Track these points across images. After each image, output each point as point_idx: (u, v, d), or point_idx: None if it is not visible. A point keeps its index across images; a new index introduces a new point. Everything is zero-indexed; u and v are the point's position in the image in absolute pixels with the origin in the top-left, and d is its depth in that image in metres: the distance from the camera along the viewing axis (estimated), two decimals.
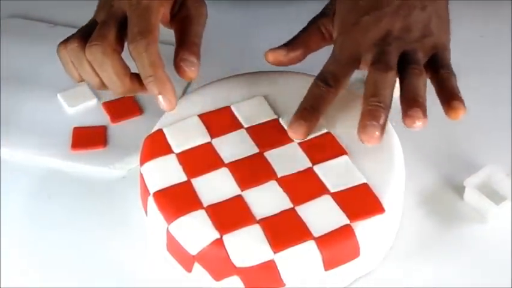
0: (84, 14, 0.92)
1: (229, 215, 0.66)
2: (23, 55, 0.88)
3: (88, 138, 0.79)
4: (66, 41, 0.70)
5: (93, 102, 0.83)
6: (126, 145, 0.78)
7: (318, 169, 0.69)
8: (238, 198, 0.67)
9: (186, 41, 0.71)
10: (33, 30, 0.91)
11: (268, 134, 0.71)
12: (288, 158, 0.69)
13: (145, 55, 0.67)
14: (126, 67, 0.69)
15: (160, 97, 0.67)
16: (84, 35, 0.70)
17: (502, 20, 0.92)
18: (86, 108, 0.83)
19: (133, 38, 0.68)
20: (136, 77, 0.69)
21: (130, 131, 0.80)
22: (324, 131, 0.71)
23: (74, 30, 0.90)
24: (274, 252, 0.64)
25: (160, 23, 0.70)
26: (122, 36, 0.70)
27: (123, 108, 0.82)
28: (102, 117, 0.82)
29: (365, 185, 0.67)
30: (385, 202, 0.67)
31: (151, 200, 0.67)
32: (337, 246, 0.65)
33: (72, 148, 0.79)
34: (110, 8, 0.71)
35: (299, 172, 0.68)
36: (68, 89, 0.84)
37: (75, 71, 0.70)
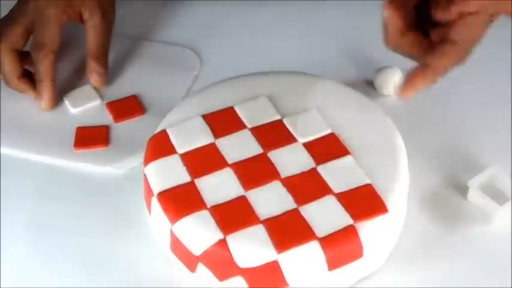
0: None
1: (233, 216, 0.66)
2: None
3: (91, 137, 0.79)
4: None
5: (96, 102, 0.83)
6: (128, 144, 0.78)
7: (322, 169, 0.69)
8: (242, 198, 0.67)
9: (92, 53, 0.83)
10: None
11: (272, 135, 0.71)
12: (292, 159, 0.69)
13: (39, 64, 0.79)
14: (17, 68, 0.80)
15: (40, 99, 0.81)
16: None
17: (502, 20, 0.91)
18: (89, 109, 0.82)
19: (33, 47, 0.80)
20: (27, 79, 0.81)
21: (132, 130, 0.80)
22: (328, 131, 0.71)
23: (75, 31, 0.91)
24: (278, 253, 0.64)
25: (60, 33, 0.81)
26: (28, 36, 0.81)
27: (126, 108, 0.82)
28: (105, 118, 0.82)
29: (369, 185, 0.67)
30: (388, 202, 0.67)
31: (155, 201, 0.67)
32: (341, 247, 0.65)
33: (75, 147, 0.79)
34: (24, 5, 0.80)
35: (303, 172, 0.68)
36: (72, 90, 0.84)
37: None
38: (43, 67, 0.80)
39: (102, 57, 0.83)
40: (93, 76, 0.82)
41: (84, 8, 0.82)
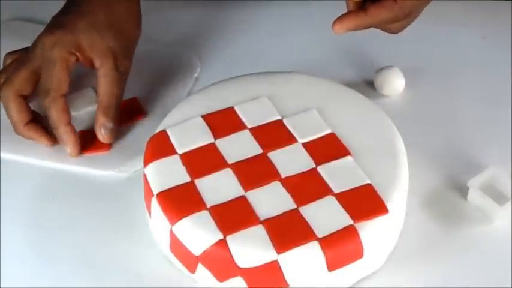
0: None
1: (233, 216, 0.66)
2: None
3: (92, 141, 0.79)
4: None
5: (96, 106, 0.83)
6: (131, 148, 0.78)
7: (322, 170, 0.69)
8: (242, 198, 0.67)
9: (102, 104, 0.77)
10: (35, 32, 0.91)
11: (272, 135, 0.71)
12: (292, 159, 0.69)
13: (49, 111, 0.76)
14: (23, 115, 0.77)
15: (65, 147, 0.77)
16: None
17: (503, 20, 0.92)
18: (89, 112, 0.82)
19: (40, 92, 0.76)
20: (34, 126, 0.77)
21: (134, 133, 0.80)
22: (328, 131, 0.71)
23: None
24: (278, 253, 0.64)
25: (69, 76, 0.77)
26: (35, 81, 0.77)
27: (127, 111, 0.82)
28: None
29: (369, 185, 0.67)
30: (388, 203, 0.67)
31: (155, 201, 0.67)
32: (341, 247, 0.65)
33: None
34: (32, 50, 0.77)
35: (303, 173, 0.68)
36: (72, 92, 0.83)
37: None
38: (53, 114, 0.76)
39: (112, 109, 0.77)
40: (101, 131, 0.77)
41: (94, 54, 0.77)
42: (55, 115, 0.75)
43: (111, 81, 0.77)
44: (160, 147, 0.71)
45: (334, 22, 0.71)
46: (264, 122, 0.72)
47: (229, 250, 0.64)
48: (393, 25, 0.72)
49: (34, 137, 0.77)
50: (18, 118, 0.77)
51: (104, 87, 0.77)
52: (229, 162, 0.69)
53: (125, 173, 0.77)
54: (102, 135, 0.77)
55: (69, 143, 0.76)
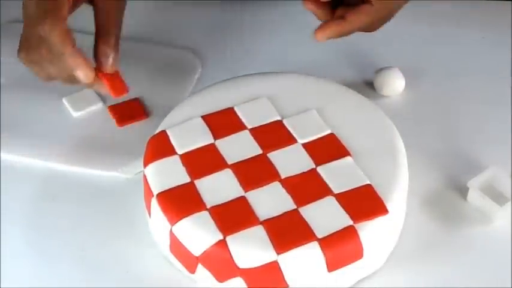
0: (87, 17, 0.92)
1: (233, 216, 0.66)
2: None
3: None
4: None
5: (98, 106, 0.83)
6: (132, 149, 0.78)
7: (322, 170, 0.69)
8: (242, 199, 0.67)
9: (102, 33, 0.72)
10: None
11: (272, 135, 0.71)
12: (292, 159, 0.69)
13: (53, 34, 0.68)
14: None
15: (77, 72, 0.70)
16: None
17: (503, 21, 0.92)
18: (91, 112, 0.82)
19: (34, 20, 0.69)
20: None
21: (136, 134, 0.80)
22: (328, 132, 0.71)
23: (77, 34, 0.91)
24: (278, 254, 0.64)
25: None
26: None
27: (129, 111, 0.82)
28: (107, 121, 0.81)
29: (368, 186, 0.68)
30: (388, 203, 0.67)
31: (154, 202, 0.67)
32: (341, 248, 0.65)
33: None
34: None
35: (302, 173, 0.68)
36: (73, 93, 0.84)
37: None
38: (56, 39, 0.68)
39: (114, 37, 0.73)
40: (104, 61, 0.72)
41: None
42: (60, 37, 0.68)
43: (112, 7, 0.74)
44: (160, 147, 0.71)
45: (316, 31, 0.72)
46: (263, 123, 0.72)
47: (229, 250, 0.64)
48: (371, 26, 0.73)
49: (79, 61, 0.70)
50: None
51: (103, 14, 0.73)
52: (229, 162, 0.69)
53: (127, 174, 0.77)
54: (105, 64, 0.72)
55: (79, 65, 0.69)
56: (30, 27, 0.70)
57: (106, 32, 0.73)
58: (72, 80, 0.71)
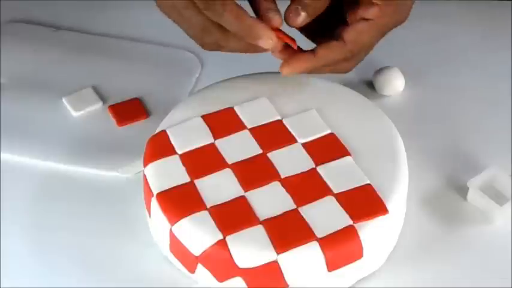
0: (87, 17, 0.93)
1: (233, 216, 0.66)
2: (25, 60, 0.88)
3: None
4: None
5: (98, 105, 0.83)
6: (132, 149, 0.78)
7: (322, 170, 0.69)
8: (242, 199, 0.67)
9: None
10: (36, 34, 0.91)
11: (272, 135, 0.71)
12: (292, 159, 0.69)
13: (226, 14, 0.66)
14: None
15: (260, 42, 0.67)
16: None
17: (503, 20, 0.92)
18: (91, 112, 0.82)
19: (206, 5, 0.66)
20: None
21: (136, 134, 0.79)
22: (328, 131, 0.71)
23: (77, 34, 0.91)
24: (278, 253, 0.64)
25: None
26: None
27: (129, 111, 0.82)
28: (107, 121, 0.81)
29: (368, 185, 0.67)
30: (388, 203, 0.67)
31: (154, 201, 0.67)
32: (341, 247, 0.65)
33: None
34: None
35: (302, 173, 0.68)
36: (73, 93, 0.84)
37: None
38: (231, 14, 0.66)
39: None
40: (271, 16, 0.68)
41: None
42: (234, 12, 0.66)
43: None
44: (160, 147, 0.71)
45: (283, 64, 0.70)
46: (263, 122, 0.72)
47: (228, 250, 0.64)
48: (342, 65, 0.71)
49: (261, 30, 0.67)
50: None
51: None
52: (229, 162, 0.69)
53: (127, 173, 0.77)
54: (274, 19, 0.68)
55: (264, 30, 0.67)
56: (196, 15, 0.67)
57: None
58: (251, 48, 0.69)
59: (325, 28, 0.71)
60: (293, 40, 0.69)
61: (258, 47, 0.69)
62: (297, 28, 0.70)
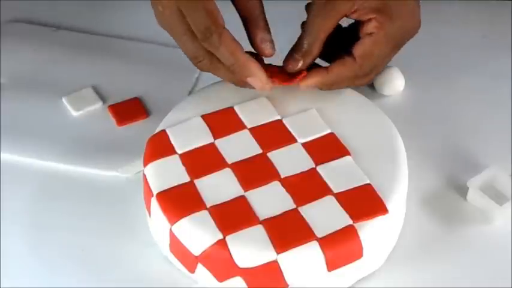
0: (87, 17, 0.93)
1: (232, 216, 0.66)
2: (25, 60, 0.88)
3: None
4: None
5: (98, 105, 0.83)
6: (132, 148, 0.78)
7: (321, 170, 0.69)
8: (241, 198, 0.67)
9: (258, 20, 0.72)
10: (36, 34, 0.91)
11: (272, 135, 0.71)
12: (291, 159, 0.69)
13: (221, 48, 0.68)
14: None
15: (249, 79, 0.70)
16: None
17: (503, 20, 0.92)
18: (91, 112, 0.82)
19: (203, 36, 0.68)
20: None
21: (136, 134, 0.79)
22: (328, 131, 0.71)
23: (77, 34, 0.91)
24: (278, 253, 0.64)
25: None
26: None
27: (129, 111, 0.82)
28: (107, 121, 0.81)
29: (368, 185, 0.67)
30: (388, 203, 0.67)
31: (154, 201, 0.67)
32: (341, 247, 0.65)
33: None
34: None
35: (302, 173, 0.68)
36: (73, 92, 0.84)
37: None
38: (226, 48, 0.68)
39: (264, 21, 0.73)
40: (264, 47, 0.72)
41: None
42: (229, 47, 0.68)
43: None
44: (159, 147, 0.71)
45: (300, 79, 0.72)
46: (263, 122, 0.72)
47: (228, 250, 0.64)
48: (356, 81, 0.73)
49: (253, 69, 0.70)
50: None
51: (254, 5, 0.73)
52: (229, 162, 0.69)
53: (127, 173, 0.77)
54: (268, 49, 0.72)
55: (256, 70, 0.70)
56: (191, 42, 0.69)
57: (255, 18, 0.72)
58: (240, 83, 0.72)
59: (339, 48, 0.72)
60: (290, 80, 0.71)
61: (247, 84, 0.71)
62: None
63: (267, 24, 0.73)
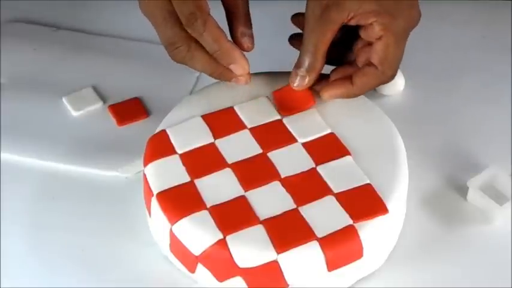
0: (87, 17, 0.92)
1: (233, 216, 0.66)
2: (25, 60, 0.88)
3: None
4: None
5: (98, 105, 0.83)
6: (132, 148, 0.78)
7: (322, 169, 0.69)
8: (242, 198, 0.67)
9: (240, 14, 0.73)
10: (36, 34, 0.91)
11: (272, 135, 0.71)
12: (292, 159, 0.69)
13: (205, 34, 0.68)
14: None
15: (232, 66, 0.70)
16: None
17: (503, 20, 0.92)
18: (91, 112, 0.82)
19: (187, 21, 0.68)
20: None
21: (137, 133, 0.79)
22: (328, 131, 0.71)
23: (77, 34, 0.91)
24: (278, 253, 0.64)
25: None
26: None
27: (129, 111, 0.82)
28: (107, 121, 0.81)
29: (368, 185, 0.67)
30: (388, 202, 0.67)
31: (154, 201, 0.67)
32: (341, 247, 0.65)
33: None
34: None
35: (302, 172, 0.68)
36: (73, 92, 0.83)
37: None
38: (211, 34, 0.68)
39: (249, 18, 0.73)
40: (245, 40, 0.72)
41: None
42: (213, 34, 0.68)
43: None
44: (160, 147, 0.71)
45: (323, 89, 0.72)
46: (263, 122, 0.72)
47: (228, 250, 0.64)
48: (380, 84, 0.73)
49: (236, 56, 0.71)
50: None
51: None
52: (229, 162, 0.69)
53: (127, 173, 0.77)
54: (247, 44, 0.73)
55: (239, 57, 0.70)
56: (171, 27, 0.69)
57: (245, 14, 0.73)
58: (216, 73, 0.72)
59: (340, 48, 0.73)
60: (304, 105, 0.73)
61: (224, 74, 0.71)
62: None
63: (249, 20, 0.73)
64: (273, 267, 0.64)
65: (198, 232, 0.65)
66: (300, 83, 0.72)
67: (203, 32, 0.68)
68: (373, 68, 0.71)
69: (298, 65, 0.72)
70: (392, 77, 0.72)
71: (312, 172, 0.69)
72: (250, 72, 0.75)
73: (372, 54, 0.70)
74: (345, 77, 0.72)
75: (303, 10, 0.73)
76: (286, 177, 0.68)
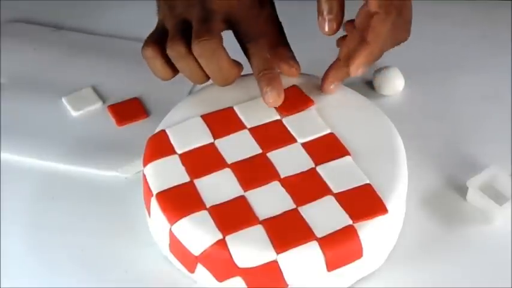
0: (87, 17, 0.93)
1: (232, 216, 0.66)
2: (25, 60, 0.88)
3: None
4: (154, 45, 0.73)
5: (97, 105, 0.83)
6: (132, 148, 0.78)
7: (321, 170, 0.69)
8: (241, 198, 0.67)
9: (279, 40, 0.75)
10: (36, 34, 0.92)
11: (271, 135, 0.71)
12: (291, 159, 0.69)
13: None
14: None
15: (268, 89, 0.72)
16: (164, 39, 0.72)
17: (503, 20, 0.92)
18: (91, 112, 0.82)
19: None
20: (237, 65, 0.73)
21: (136, 134, 0.79)
22: (327, 131, 0.71)
23: (77, 34, 0.91)
24: (277, 253, 0.64)
25: None
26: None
27: (129, 111, 0.82)
28: (107, 121, 0.81)
29: (368, 185, 0.67)
30: (388, 203, 0.67)
31: (154, 201, 0.67)
32: (340, 247, 0.65)
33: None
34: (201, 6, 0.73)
35: (302, 173, 0.68)
36: (72, 92, 0.84)
37: (167, 68, 0.73)
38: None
39: (286, 41, 0.76)
40: (290, 63, 0.75)
41: None
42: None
43: (275, 17, 0.77)
44: (159, 147, 0.71)
45: (349, 65, 0.72)
46: (263, 122, 0.72)
47: (228, 250, 0.64)
48: (397, 35, 0.72)
49: (238, 74, 0.73)
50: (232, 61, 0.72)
51: (272, 25, 0.76)
52: (229, 162, 0.69)
53: (127, 173, 0.77)
54: (293, 67, 0.75)
55: (278, 84, 0.72)
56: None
57: (283, 38, 0.76)
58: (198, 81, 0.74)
59: None
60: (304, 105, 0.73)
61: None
62: None
63: (286, 40, 0.75)
64: (272, 267, 0.64)
65: (197, 232, 0.65)
66: (330, 26, 0.72)
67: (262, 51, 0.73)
68: (375, 15, 0.70)
69: (320, 12, 0.72)
70: (401, 21, 0.71)
71: (312, 172, 0.69)
72: (250, 72, 0.75)
73: (365, 30, 0.70)
74: (333, 64, 0.73)
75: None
76: (285, 177, 0.68)
